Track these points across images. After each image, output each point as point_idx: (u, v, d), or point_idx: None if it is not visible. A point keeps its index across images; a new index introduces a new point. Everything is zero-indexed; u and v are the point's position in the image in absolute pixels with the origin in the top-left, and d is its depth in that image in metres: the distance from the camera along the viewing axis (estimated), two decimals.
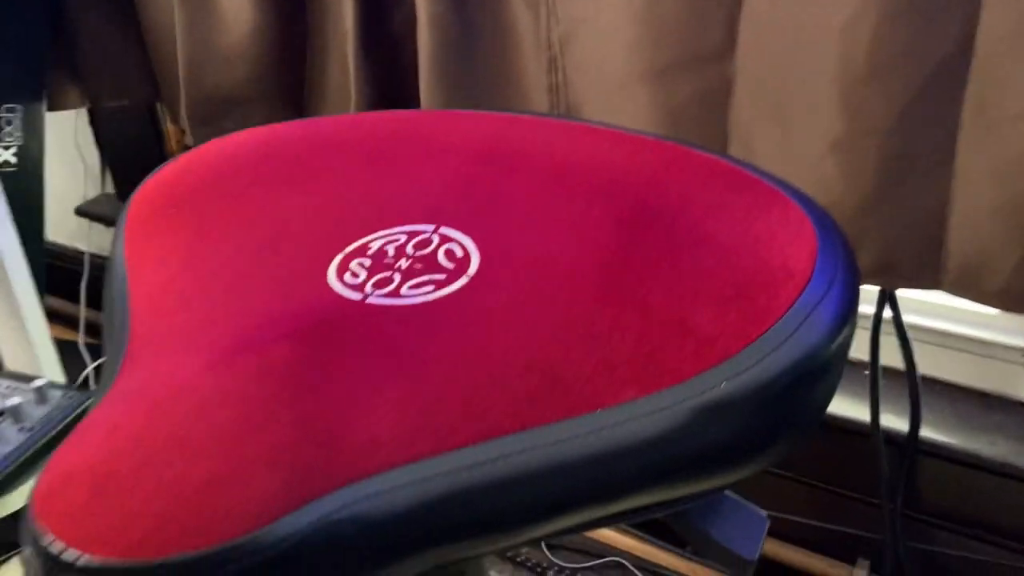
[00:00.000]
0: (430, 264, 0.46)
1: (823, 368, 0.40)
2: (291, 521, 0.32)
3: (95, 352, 1.37)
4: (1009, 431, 0.83)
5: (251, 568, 0.32)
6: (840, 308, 0.40)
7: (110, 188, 1.35)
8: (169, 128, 1.24)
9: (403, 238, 0.48)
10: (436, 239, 0.48)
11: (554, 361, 0.38)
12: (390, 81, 0.89)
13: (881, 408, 0.84)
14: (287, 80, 0.98)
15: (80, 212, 1.34)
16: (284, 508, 0.32)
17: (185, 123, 1.00)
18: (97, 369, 1.35)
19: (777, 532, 0.98)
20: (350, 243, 0.48)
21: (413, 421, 0.36)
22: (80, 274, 1.37)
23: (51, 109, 1.07)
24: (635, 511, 0.40)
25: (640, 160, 0.52)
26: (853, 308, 0.42)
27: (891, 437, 0.84)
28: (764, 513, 0.48)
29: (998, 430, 0.83)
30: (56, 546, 0.31)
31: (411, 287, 0.44)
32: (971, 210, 0.67)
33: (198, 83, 0.97)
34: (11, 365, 0.87)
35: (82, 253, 1.38)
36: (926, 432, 0.83)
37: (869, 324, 0.81)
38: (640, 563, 1.04)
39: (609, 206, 0.48)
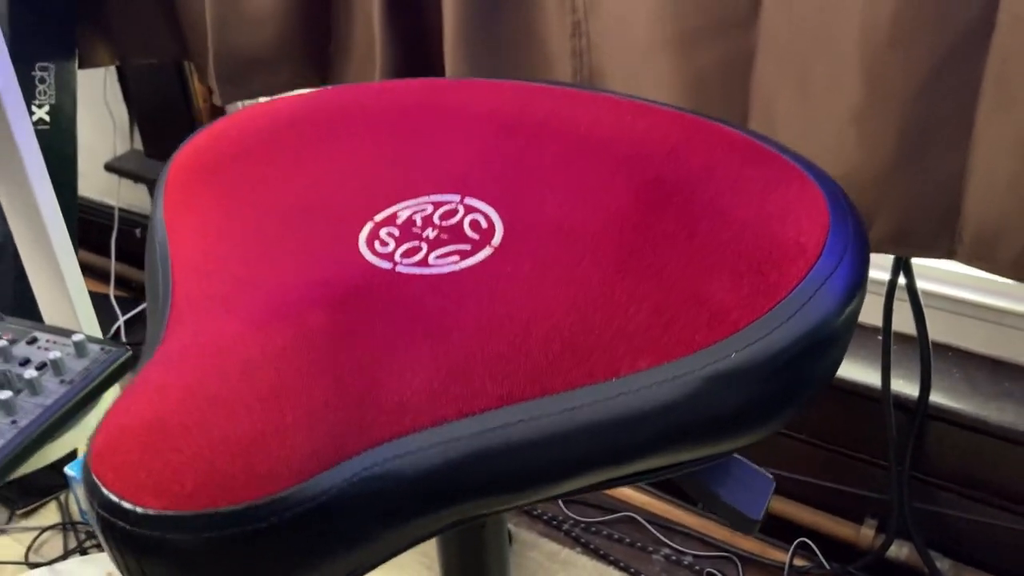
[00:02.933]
0: (456, 234, 0.48)
1: (829, 341, 0.41)
2: (328, 477, 0.35)
3: (125, 305, 1.41)
4: (1018, 397, 0.84)
5: (291, 519, 0.34)
6: (847, 283, 0.42)
7: (138, 144, 1.37)
8: (197, 86, 1.26)
9: (430, 208, 0.50)
10: (461, 209, 0.50)
11: (573, 330, 0.41)
12: (415, 44, 0.90)
13: (892, 373, 0.86)
14: (312, 41, 1.00)
15: (109, 168, 1.36)
16: (322, 465, 0.35)
17: (213, 82, 1.01)
18: (128, 322, 1.39)
19: (789, 491, 1.01)
20: (379, 211, 0.50)
21: (440, 385, 0.38)
22: (110, 228, 1.40)
23: (82, 67, 1.09)
24: (648, 472, 0.42)
25: (661, 132, 0.53)
26: (862, 283, 0.43)
27: (901, 401, 0.86)
28: (770, 476, 0.50)
29: (1007, 396, 0.84)
30: (113, 498, 0.34)
31: (438, 257, 0.46)
32: (988, 181, 0.68)
33: (226, 43, 0.99)
34: (49, 320, 0.90)
35: (112, 208, 1.41)
36: (936, 397, 0.85)
37: (883, 290, 0.83)
38: (652, 518, 1.07)
39: (629, 178, 0.50)
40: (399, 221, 0.49)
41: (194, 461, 0.35)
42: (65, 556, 1.06)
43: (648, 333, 0.40)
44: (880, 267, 0.85)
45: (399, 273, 0.45)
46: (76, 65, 1.06)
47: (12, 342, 0.80)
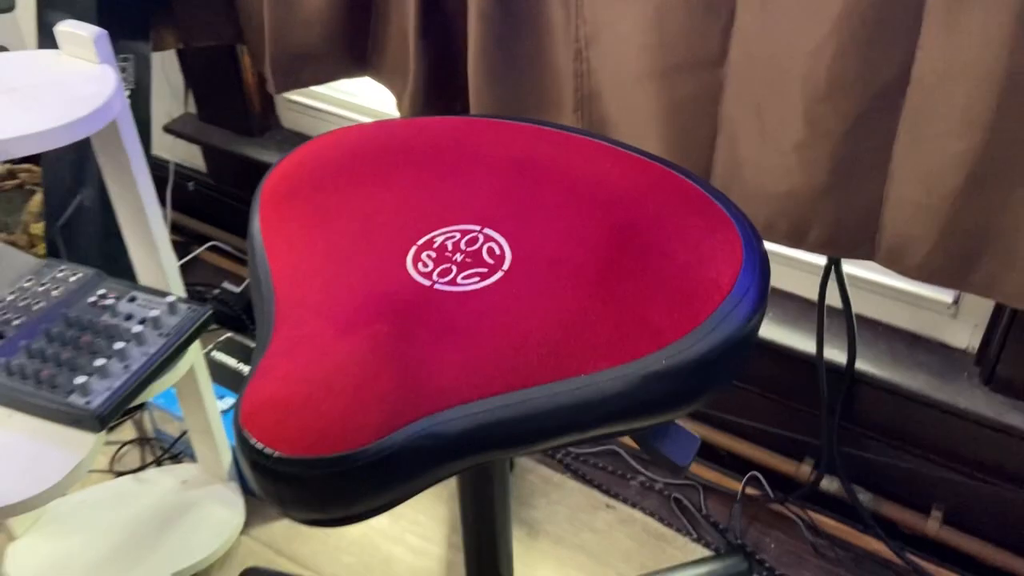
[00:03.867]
0: (477, 259, 0.66)
1: (733, 350, 0.60)
2: (392, 437, 0.54)
3: (179, 248, 1.60)
4: (931, 368, 1.03)
5: (368, 464, 0.54)
6: (748, 311, 0.60)
7: (192, 108, 1.54)
8: (246, 60, 1.42)
9: (458, 235, 0.68)
10: (481, 238, 0.68)
11: (556, 339, 0.59)
12: (442, 58, 1.06)
13: (831, 343, 1.05)
14: (354, 43, 1.16)
15: (167, 129, 1.53)
16: (388, 429, 0.54)
17: (268, 74, 1.18)
18: (182, 266, 1.58)
19: (744, 433, 1.21)
20: (420, 237, 0.68)
21: (466, 376, 0.57)
22: (166, 181, 1.58)
23: (154, 50, 1.26)
24: (609, 435, 0.61)
25: (634, 180, 0.71)
26: (760, 308, 0.62)
27: (834, 366, 1.05)
28: (698, 436, 0.70)
29: (920, 366, 1.03)
30: (259, 446, 0.54)
31: (464, 277, 0.64)
32: (900, 204, 0.86)
33: (281, 42, 1.15)
34: (143, 279, 1.09)
35: (168, 163, 1.59)
36: (863, 363, 1.04)
37: (821, 273, 1.01)
38: (631, 451, 1.28)
39: (604, 220, 0.67)
40: (435, 245, 0.67)
41: (306, 424, 0.54)
42: (143, 467, 1.28)
43: (608, 344, 0.59)
44: (820, 258, 1.02)
45: (436, 290, 0.63)
46: (151, 52, 1.22)
47: (117, 299, 0.99)
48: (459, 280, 0.64)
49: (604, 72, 0.96)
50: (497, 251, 0.66)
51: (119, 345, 0.92)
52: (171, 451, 1.28)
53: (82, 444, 0.87)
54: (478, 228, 0.69)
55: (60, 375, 0.89)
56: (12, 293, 0.99)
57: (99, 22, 1.12)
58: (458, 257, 0.66)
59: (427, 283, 0.64)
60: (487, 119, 0.81)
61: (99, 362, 0.90)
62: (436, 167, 0.75)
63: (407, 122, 0.81)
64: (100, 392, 0.88)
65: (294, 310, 0.63)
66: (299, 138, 1.49)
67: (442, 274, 0.65)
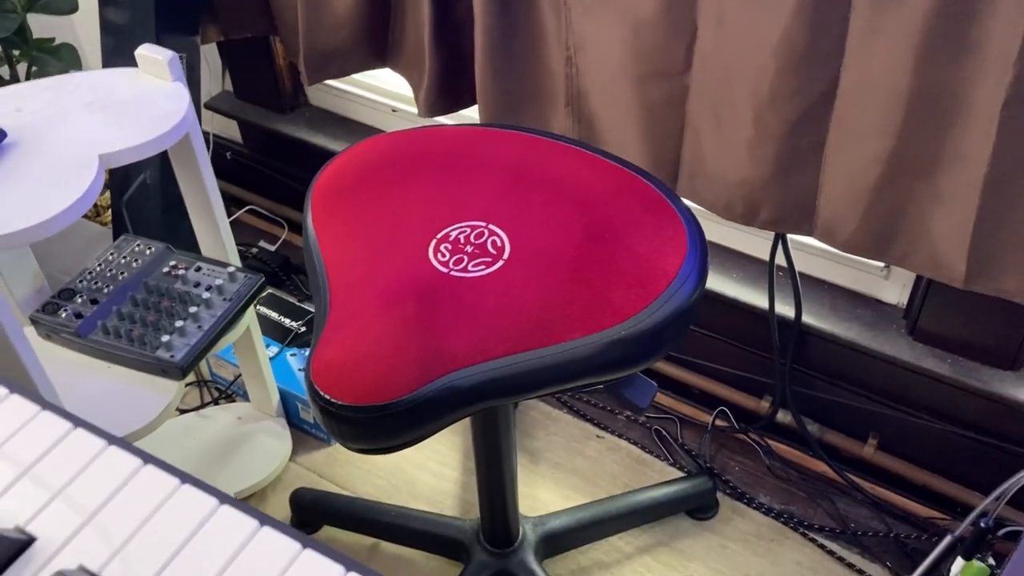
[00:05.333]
0: (483, 250, 0.85)
1: (678, 320, 0.79)
2: (422, 390, 0.74)
3: None
4: (865, 320, 1.23)
5: (406, 409, 0.74)
6: (688, 293, 0.80)
7: (228, 87, 1.71)
8: (278, 47, 1.59)
9: (468, 230, 0.87)
10: (486, 232, 0.87)
11: (542, 315, 0.79)
12: (452, 58, 1.24)
13: (778, 300, 1.25)
14: (375, 42, 1.33)
15: (207, 106, 1.71)
16: (419, 384, 0.74)
17: (302, 68, 1.36)
18: None
19: (713, 375, 1.41)
20: (438, 231, 0.87)
21: (476, 343, 0.77)
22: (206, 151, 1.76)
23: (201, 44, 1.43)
24: (584, 386, 0.82)
25: (604, 184, 0.89)
26: (698, 290, 0.81)
27: (785, 319, 1.25)
28: (655, 383, 0.90)
29: (857, 319, 1.23)
30: (327, 396, 0.74)
31: (473, 265, 0.84)
32: (830, 192, 1.04)
33: (313, 42, 1.32)
34: (205, 250, 1.29)
35: (208, 134, 1.77)
36: (808, 317, 1.23)
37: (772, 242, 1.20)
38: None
39: (581, 219, 0.86)
40: (450, 239, 0.87)
41: (359, 381, 0.74)
42: (203, 406, 1.50)
43: (580, 318, 0.78)
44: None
45: (452, 276, 0.83)
46: (200, 46, 1.40)
47: (185, 270, 1.19)
48: (470, 268, 0.84)
49: (590, 75, 1.14)
50: (499, 243, 0.86)
51: (193, 309, 1.12)
52: (227, 392, 1.50)
53: (168, 389, 1.08)
54: (483, 224, 0.88)
55: (147, 334, 1.10)
56: (99, 264, 1.19)
57: (156, 19, 1.30)
58: (468, 248, 0.85)
59: (445, 270, 0.84)
60: (489, 128, 0.99)
61: (178, 323, 1.10)
62: (448, 171, 0.94)
63: (425, 132, 0.99)
64: (181, 348, 1.09)
65: (344, 293, 0.83)
66: (325, 115, 1.66)
67: (456, 263, 0.84)
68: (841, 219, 1.05)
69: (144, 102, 1.00)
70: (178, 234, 1.41)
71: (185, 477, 0.52)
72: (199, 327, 1.11)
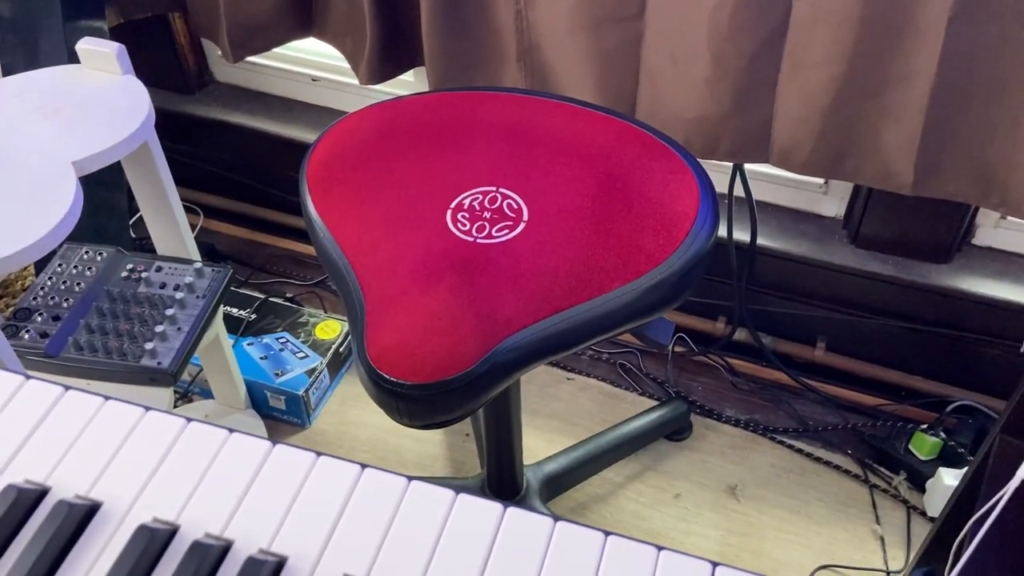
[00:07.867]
0: (501, 214, 0.86)
1: (701, 261, 0.84)
2: (484, 360, 0.75)
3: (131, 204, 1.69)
4: (810, 235, 1.32)
5: (472, 381, 0.75)
6: (708, 232, 0.84)
7: None
8: (178, 23, 1.50)
9: (480, 196, 0.88)
10: (499, 197, 0.88)
11: (574, 271, 0.81)
12: (394, 21, 1.21)
13: (735, 225, 1.32)
14: (300, 10, 1.28)
15: None
16: (480, 355, 0.75)
17: (225, 46, 1.29)
18: (138, 220, 1.67)
19: None
20: (451, 201, 0.87)
21: (522, 307, 0.79)
22: None
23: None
24: (622, 332, 0.85)
25: (602, 137, 0.92)
26: (715, 229, 0.85)
27: (740, 243, 1.32)
28: (674, 323, 0.94)
29: (802, 235, 1.32)
30: (384, 375, 0.74)
31: (497, 231, 0.85)
32: (786, 119, 1.10)
33: (235, 15, 1.26)
34: (161, 249, 1.22)
35: None
36: (761, 238, 1.32)
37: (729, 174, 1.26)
38: None
39: (589, 172, 0.89)
40: (465, 207, 0.87)
41: (425, 359, 0.75)
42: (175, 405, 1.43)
43: (613, 269, 0.81)
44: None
45: (480, 244, 0.84)
46: (108, 31, 1.30)
47: (145, 271, 1.13)
48: (494, 233, 0.84)
49: (541, 28, 1.15)
50: (515, 206, 0.87)
51: (169, 311, 1.07)
52: (185, 393, 1.44)
53: (159, 397, 1.04)
54: (494, 188, 0.89)
55: (125, 344, 1.04)
56: (50, 278, 1.11)
57: (62, 5, 1.20)
58: (487, 215, 0.86)
59: (470, 239, 0.84)
60: (476, 92, 0.99)
61: (158, 328, 1.05)
62: (445, 139, 0.93)
63: (409, 101, 0.98)
64: (167, 353, 1.04)
65: (373, 275, 0.82)
66: (237, 90, 1.59)
67: (479, 230, 0.85)
68: (797, 144, 1.12)
69: (99, 100, 0.94)
70: (106, 236, 1.33)
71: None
72: (179, 329, 1.07)
